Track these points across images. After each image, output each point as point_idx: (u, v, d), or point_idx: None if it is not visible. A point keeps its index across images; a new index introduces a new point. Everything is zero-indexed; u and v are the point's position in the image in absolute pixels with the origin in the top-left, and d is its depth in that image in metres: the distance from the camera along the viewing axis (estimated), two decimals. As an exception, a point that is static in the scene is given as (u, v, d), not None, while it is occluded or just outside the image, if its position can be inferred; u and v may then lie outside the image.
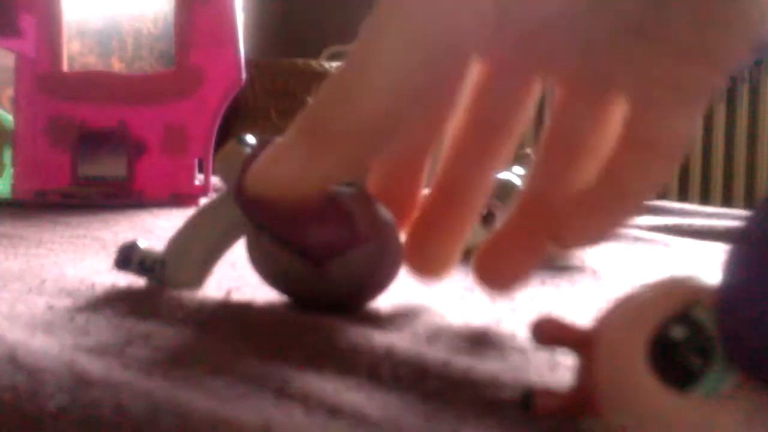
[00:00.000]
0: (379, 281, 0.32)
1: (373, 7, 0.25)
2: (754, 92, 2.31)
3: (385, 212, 0.31)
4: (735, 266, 0.17)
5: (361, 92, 0.24)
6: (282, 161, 0.25)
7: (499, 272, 0.32)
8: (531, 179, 0.31)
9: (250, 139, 0.33)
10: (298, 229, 0.30)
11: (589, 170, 0.29)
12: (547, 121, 0.31)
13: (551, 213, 0.29)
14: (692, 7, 0.24)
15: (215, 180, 0.86)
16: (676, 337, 0.19)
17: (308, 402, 0.23)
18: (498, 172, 0.32)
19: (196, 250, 0.34)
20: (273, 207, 0.28)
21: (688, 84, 0.25)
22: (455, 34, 0.24)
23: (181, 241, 0.35)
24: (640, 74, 0.25)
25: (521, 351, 0.28)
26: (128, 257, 0.35)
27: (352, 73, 0.25)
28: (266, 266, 0.33)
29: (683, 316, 0.19)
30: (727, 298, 0.18)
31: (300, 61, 2.03)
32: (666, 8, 0.24)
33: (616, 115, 0.28)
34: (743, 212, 0.92)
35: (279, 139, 0.26)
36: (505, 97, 0.30)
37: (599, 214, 0.28)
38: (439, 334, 0.30)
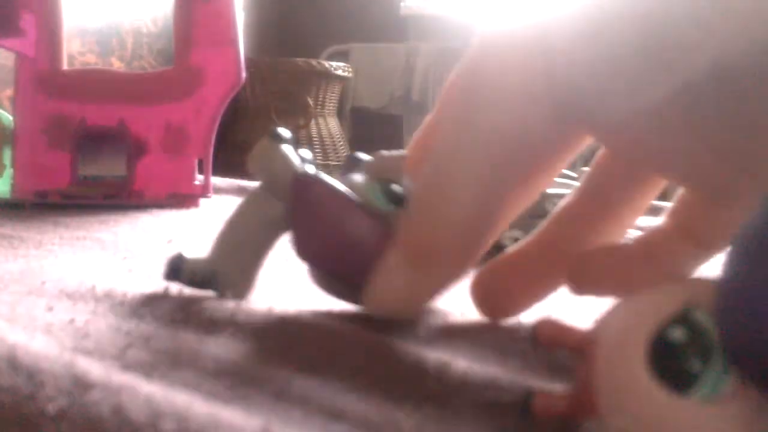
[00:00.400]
0: None
1: (441, 120, 0.28)
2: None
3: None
4: (734, 268, 0.17)
5: (451, 208, 0.26)
6: (394, 286, 0.28)
7: (503, 297, 0.33)
8: (558, 222, 0.32)
9: (284, 132, 0.33)
10: (350, 267, 0.30)
11: (611, 232, 0.31)
12: (589, 175, 0.31)
13: (572, 259, 0.31)
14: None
15: (215, 180, 0.86)
16: (676, 339, 0.19)
17: (307, 404, 0.23)
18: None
19: (244, 256, 0.34)
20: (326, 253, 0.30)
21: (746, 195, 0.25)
22: (518, 133, 0.25)
23: (226, 248, 0.34)
24: (710, 176, 0.25)
25: (521, 353, 0.28)
26: (177, 269, 0.34)
27: (436, 194, 0.26)
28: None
29: (682, 318, 0.19)
30: (725, 300, 0.18)
31: (300, 60, 2.03)
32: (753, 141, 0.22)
33: (653, 189, 0.30)
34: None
35: (388, 263, 0.28)
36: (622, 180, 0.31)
37: (625, 277, 0.29)
38: (438, 336, 0.30)
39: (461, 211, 0.26)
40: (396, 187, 0.30)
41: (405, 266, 0.27)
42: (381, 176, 0.31)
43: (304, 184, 0.31)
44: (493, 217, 0.27)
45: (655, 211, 0.82)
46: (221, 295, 0.34)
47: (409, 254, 0.27)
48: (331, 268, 0.31)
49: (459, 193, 0.25)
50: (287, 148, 0.33)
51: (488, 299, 0.32)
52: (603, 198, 0.31)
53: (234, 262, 0.34)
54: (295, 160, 0.32)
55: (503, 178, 0.26)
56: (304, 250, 0.31)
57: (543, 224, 0.32)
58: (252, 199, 0.34)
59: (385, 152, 0.32)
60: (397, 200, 0.30)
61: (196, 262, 0.34)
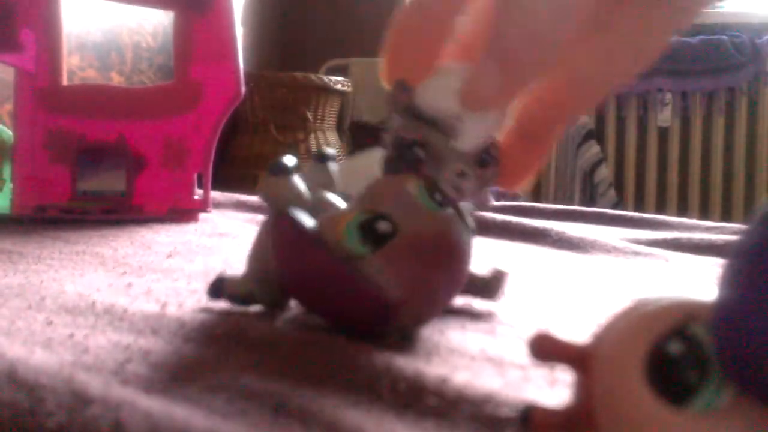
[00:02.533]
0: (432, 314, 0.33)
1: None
2: (753, 106, 2.32)
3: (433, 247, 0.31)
4: (731, 282, 0.18)
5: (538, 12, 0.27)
6: (482, 82, 0.29)
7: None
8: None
9: (288, 162, 0.33)
10: (329, 311, 0.31)
11: None
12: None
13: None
14: None
15: (214, 194, 0.87)
16: (673, 352, 0.19)
17: (307, 419, 0.23)
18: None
19: (274, 272, 0.34)
20: (308, 290, 0.31)
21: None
22: None
23: (258, 265, 0.35)
24: None
25: (519, 367, 0.28)
26: (219, 288, 0.35)
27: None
28: None
29: (680, 332, 0.19)
30: (722, 313, 0.18)
31: (299, 74, 2.04)
32: None
33: None
34: (742, 226, 0.92)
35: (474, 67, 0.29)
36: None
37: None
38: (437, 350, 0.30)
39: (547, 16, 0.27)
40: (381, 225, 0.29)
41: (491, 65, 0.29)
42: (371, 208, 0.30)
43: (280, 224, 0.31)
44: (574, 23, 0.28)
45: (654, 225, 0.82)
46: (264, 308, 0.35)
47: (496, 52, 0.29)
48: (304, 305, 0.32)
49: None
50: (289, 180, 0.33)
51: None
52: None
53: (266, 277, 0.34)
54: (291, 193, 0.33)
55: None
56: (283, 281, 0.32)
57: None
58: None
59: (385, 179, 0.31)
60: (377, 240, 0.29)
61: (235, 281, 0.35)
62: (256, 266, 0.35)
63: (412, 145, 0.33)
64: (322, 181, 0.36)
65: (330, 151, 0.35)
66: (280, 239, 0.31)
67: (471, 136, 0.33)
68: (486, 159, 0.33)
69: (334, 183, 0.36)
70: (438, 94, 0.32)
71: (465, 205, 0.34)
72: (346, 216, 0.30)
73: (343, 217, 0.30)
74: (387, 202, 0.30)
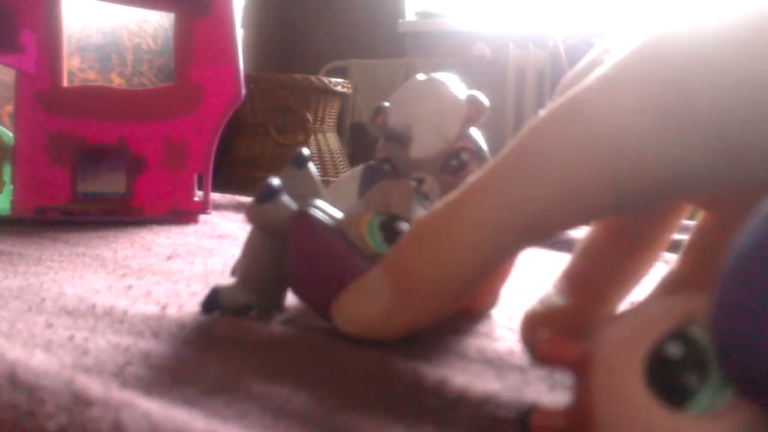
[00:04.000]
0: None
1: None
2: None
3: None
4: (728, 283, 0.18)
5: (450, 245, 0.24)
6: (369, 304, 0.26)
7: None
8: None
9: (274, 181, 0.32)
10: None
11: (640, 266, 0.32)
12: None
13: None
14: None
15: (215, 196, 0.87)
16: (672, 354, 0.19)
17: (306, 421, 0.23)
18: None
19: (267, 277, 0.34)
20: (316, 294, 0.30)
21: None
22: (560, 208, 0.22)
23: (251, 273, 0.34)
24: None
25: (519, 370, 0.28)
26: (214, 302, 0.35)
27: (444, 224, 0.24)
28: None
29: (679, 334, 0.19)
30: (721, 315, 0.18)
31: (299, 76, 2.04)
32: None
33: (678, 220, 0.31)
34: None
35: (366, 278, 0.26)
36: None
37: None
38: (436, 352, 0.30)
39: (459, 251, 0.23)
40: (400, 225, 0.29)
41: (384, 287, 0.25)
42: (384, 209, 0.30)
43: (298, 223, 0.30)
44: (495, 267, 0.24)
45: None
46: (261, 315, 0.34)
47: (393, 273, 0.25)
48: (319, 310, 0.30)
49: (466, 234, 0.23)
50: (278, 204, 0.32)
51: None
52: (631, 231, 0.30)
53: (261, 284, 0.34)
54: (282, 217, 0.32)
55: (529, 230, 0.23)
56: (296, 288, 0.31)
57: (570, 259, 0.31)
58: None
59: (391, 181, 0.31)
60: (395, 240, 0.28)
61: (229, 291, 0.35)
62: (250, 272, 0.34)
63: (381, 162, 0.34)
64: (304, 189, 0.35)
65: (305, 152, 0.34)
66: (303, 241, 0.30)
67: (421, 145, 0.33)
68: (452, 165, 0.33)
69: (317, 188, 0.35)
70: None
71: None
72: (364, 217, 0.29)
73: (361, 218, 0.29)
74: (396, 203, 0.30)
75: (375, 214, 0.30)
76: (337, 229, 0.29)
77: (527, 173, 0.22)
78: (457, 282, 0.24)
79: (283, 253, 0.32)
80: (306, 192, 0.34)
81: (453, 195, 0.24)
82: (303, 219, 0.30)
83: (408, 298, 0.25)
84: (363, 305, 0.26)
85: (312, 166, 0.36)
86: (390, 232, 0.29)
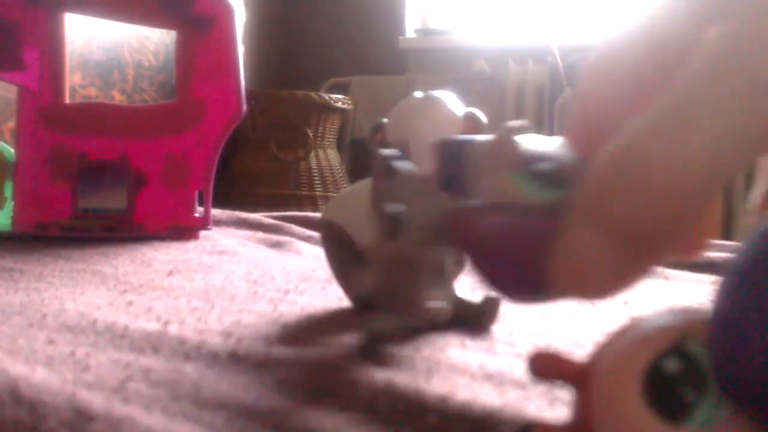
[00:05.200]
0: None
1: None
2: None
3: None
4: (726, 299, 0.18)
5: (682, 170, 0.20)
6: (588, 266, 0.22)
7: None
8: None
9: (396, 209, 0.33)
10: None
11: None
12: None
13: None
14: None
15: (215, 212, 0.87)
16: (671, 369, 0.19)
17: (307, 436, 0.23)
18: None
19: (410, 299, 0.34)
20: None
21: None
22: None
23: (400, 300, 0.34)
24: None
25: (520, 385, 0.28)
26: (376, 343, 0.34)
27: (666, 153, 0.20)
28: None
29: (677, 349, 0.19)
30: (719, 330, 0.18)
31: (300, 92, 2.04)
32: None
33: None
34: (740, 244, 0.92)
35: (569, 238, 0.23)
36: None
37: None
38: (438, 369, 0.30)
39: (698, 176, 0.20)
40: (543, 166, 0.26)
41: (608, 247, 0.22)
42: (514, 162, 0.27)
43: (461, 219, 0.28)
44: (718, 191, 0.21)
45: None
46: (405, 336, 0.34)
47: (615, 232, 0.21)
48: (525, 289, 0.27)
49: (700, 152, 0.20)
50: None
51: None
52: None
53: (404, 307, 0.34)
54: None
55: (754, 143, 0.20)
56: (494, 280, 0.28)
57: None
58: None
59: (508, 127, 0.28)
60: (557, 181, 0.26)
61: (382, 322, 0.34)
62: (393, 298, 0.34)
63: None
64: (406, 191, 0.33)
65: (388, 153, 0.33)
66: (477, 231, 0.27)
67: (419, 161, 0.33)
68: None
69: (419, 186, 0.34)
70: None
71: None
72: (508, 180, 0.27)
73: (506, 181, 0.27)
74: (509, 162, 0.28)
75: (515, 172, 0.27)
76: (493, 205, 0.28)
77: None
78: (685, 215, 0.20)
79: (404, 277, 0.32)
80: (409, 194, 0.33)
81: (643, 124, 0.21)
82: (463, 213, 0.28)
83: (628, 249, 0.22)
84: (582, 269, 0.23)
85: (405, 166, 0.34)
86: (544, 177, 0.26)
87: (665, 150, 0.20)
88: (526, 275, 0.26)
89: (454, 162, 0.30)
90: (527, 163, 0.26)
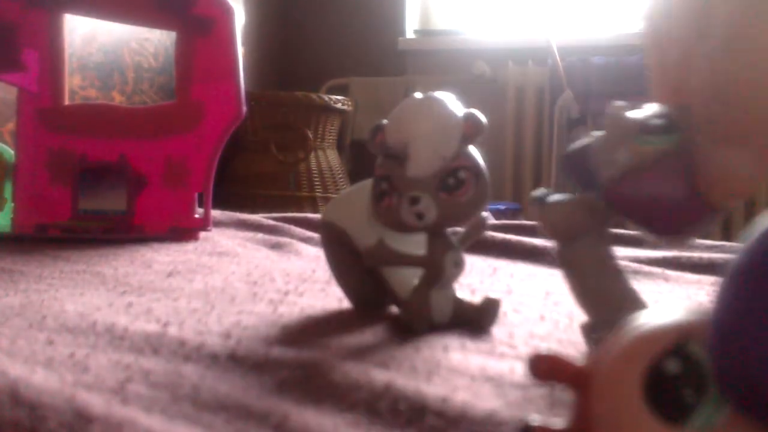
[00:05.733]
0: None
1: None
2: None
3: None
4: (725, 301, 0.18)
5: None
6: (732, 171, 0.26)
7: None
8: None
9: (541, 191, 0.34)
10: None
11: None
12: None
13: None
14: None
15: (215, 213, 0.87)
16: (671, 371, 0.19)
17: (307, 438, 0.23)
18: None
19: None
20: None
21: None
22: None
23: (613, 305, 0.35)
24: None
25: (520, 387, 0.28)
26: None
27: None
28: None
29: (677, 351, 0.19)
30: (718, 332, 0.18)
31: (300, 94, 2.04)
32: None
33: None
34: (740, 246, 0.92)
35: (706, 150, 0.27)
36: None
37: None
38: (438, 370, 0.30)
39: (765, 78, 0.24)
40: (655, 121, 0.30)
41: (737, 148, 0.26)
42: (633, 129, 0.31)
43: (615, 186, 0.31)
44: None
45: (636, 241, 0.82)
46: None
47: (735, 135, 0.26)
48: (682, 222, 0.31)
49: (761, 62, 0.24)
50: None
51: None
52: None
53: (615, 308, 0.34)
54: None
55: None
56: (658, 227, 0.32)
57: None
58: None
59: (614, 107, 0.32)
60: (671, 128, 0.30)
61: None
62: (608, 306, 0.35)
63: (380, 180, 0.35)
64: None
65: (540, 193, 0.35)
66: (639, 189, 0.31)
67: (419, 163, 0.34)
68: (450, 183, 0.34)
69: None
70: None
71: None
72: (635, 145, 0.31)
73: (634, 147, 0.31)
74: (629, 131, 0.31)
75: (636, 135, 0.31)
76: (633, 168, 0.31)
77: None
78: None
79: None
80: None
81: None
82: (613, 185, 0.31)
83: (752, 146, 0.26)
84: (726, 175, 0.27)
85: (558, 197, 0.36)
86: (660, 129, 0.30)
87: (739, 69, 0.24)
88: (682, 208, 0.30)
89: (584, 164, 0.33)
90: (642, 125, 0.31)
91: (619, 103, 0.32)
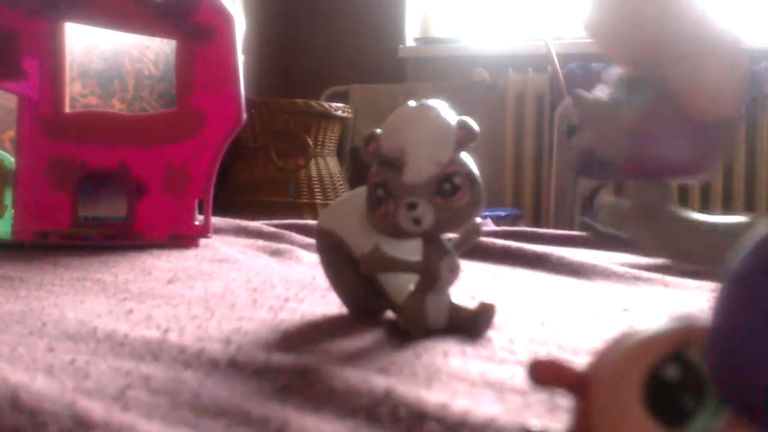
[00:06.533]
0: None
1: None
2: (751, 131, 2.33)
3: None
4: (725, 306, 0.18)
5: None
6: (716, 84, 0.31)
7: None
8: None
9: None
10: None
11: None
12: None
13: None
14: None
15: (215, 220, 0.87)
16: (670, 377, 0.19)
17: (307, 444, 0.23)
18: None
19: None
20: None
21: None
22: None
23: None
24: None
25: (520, 393, 0.28)
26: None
27: None
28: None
29: (677, 357, 0.19)
30: (717, 338, 0.18)
31: (300, 101, 2.05)
32: None
33: None
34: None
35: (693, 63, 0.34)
36: None
37: None
38: (438, 376, 0.30)
39: None
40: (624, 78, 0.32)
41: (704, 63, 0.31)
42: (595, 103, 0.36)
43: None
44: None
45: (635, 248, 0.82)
46: None
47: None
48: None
49: None
50: None
51: None
52: None
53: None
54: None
55: None
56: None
57: None
58: None
59: (575, 95, 0.36)
60: (638, 85, 0.33)
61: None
62: None
63: (376, 187, 0.36)
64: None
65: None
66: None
67: (415, 169, 0.34)
68: (445, 189, 0.34)
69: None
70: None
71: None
72: (605, 117, 0.36)
73: (604, 118, 0.36)
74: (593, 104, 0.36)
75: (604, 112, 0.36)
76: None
77: None
78: None
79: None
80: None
81: None
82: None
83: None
84: (701, 82, 0.32)
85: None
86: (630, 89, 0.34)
87: None
88: (691, 136, 0.32)
89: (592, 161, 0.36)
90: (612, 97, 0.33)
91: (575, 95, 0.34)
